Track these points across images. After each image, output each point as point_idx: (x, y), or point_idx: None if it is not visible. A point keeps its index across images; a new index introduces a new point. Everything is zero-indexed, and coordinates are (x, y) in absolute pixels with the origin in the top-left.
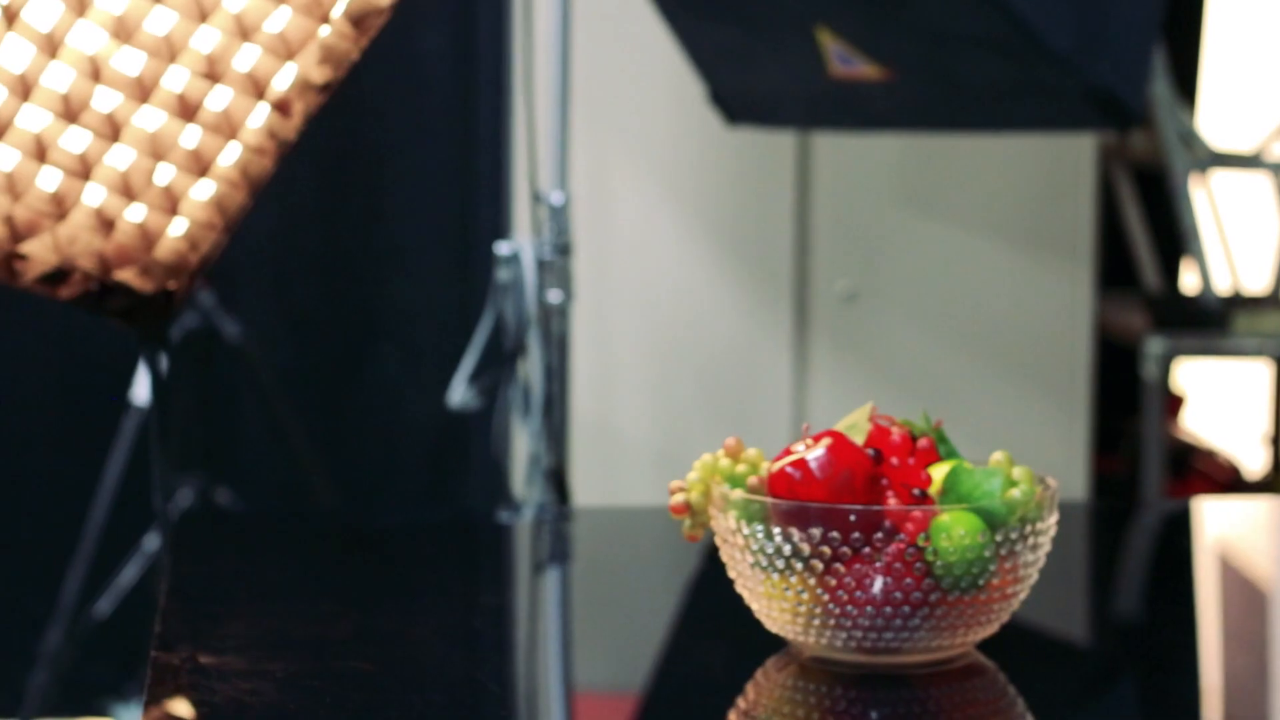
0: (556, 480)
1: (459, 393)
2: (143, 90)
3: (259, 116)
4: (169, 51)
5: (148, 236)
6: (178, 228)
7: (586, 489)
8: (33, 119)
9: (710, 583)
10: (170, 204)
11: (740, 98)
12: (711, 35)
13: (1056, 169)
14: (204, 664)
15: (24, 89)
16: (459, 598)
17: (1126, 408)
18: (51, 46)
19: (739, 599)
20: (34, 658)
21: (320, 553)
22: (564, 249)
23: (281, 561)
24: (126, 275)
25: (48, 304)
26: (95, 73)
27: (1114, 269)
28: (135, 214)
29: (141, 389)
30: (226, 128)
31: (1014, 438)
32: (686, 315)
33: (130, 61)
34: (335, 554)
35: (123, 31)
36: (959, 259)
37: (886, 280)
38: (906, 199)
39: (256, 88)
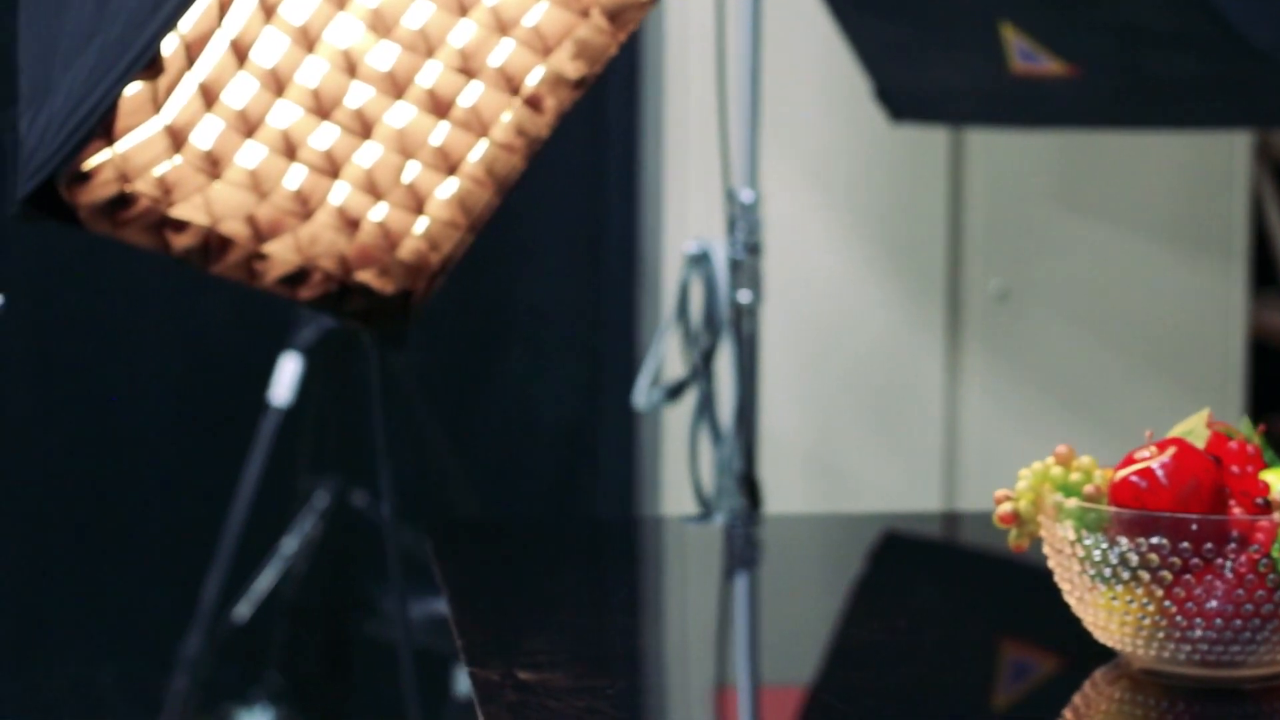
0: (749, 485)
1: (643, 395)
2: (395, 85)
3: (510, 113)
4: (425, 46)
5: (390, 236)
6: (420, 227)
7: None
8: (283, 115)
9: (1015, 596)
10: (415, 202)
11: (908, 95)
12: (883, 31)
13: (1209, 167)
14: (526, 680)
15: (276, 84)
16: (721, 602)
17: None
18: (307, 40)
19: (1033, 607)
20: (173, 662)
21: (571, 557)
22: (754, 248)
23: (545, 568)
24: (367, 276)
25: (183, 305)
26: (350, 67)
27: (1264, 269)
28: (379, 213)
29: (280, 390)
30: (476, 124)
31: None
32: (837, 314)
33: (384, 56)
34: (586, 558)
35: (380, 25)
36: (1112, 258)
37: (1039, 279)
38: (1060, 197)
39: (509, 83)
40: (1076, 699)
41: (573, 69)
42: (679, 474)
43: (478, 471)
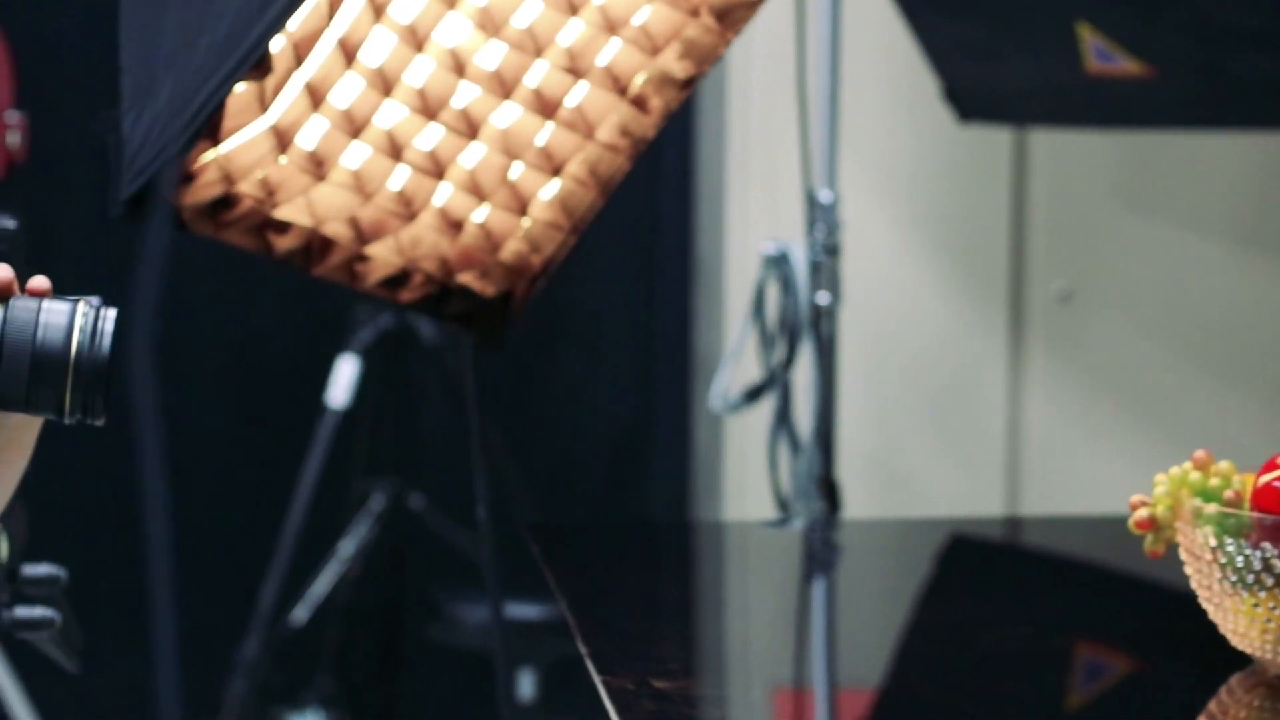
0: (829, 489)
1: (720, 398)
2: (502, 85)
3: (615, 113)
4: (533, 45)
5: (492, 238)
6: (522, 229)
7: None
8: (389, 115)
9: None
10: (517, 204)
11: (978, 95)
12: (955, 30)
13: (1276, 166)
14: (661, 689)
15: (384, 83)
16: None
17: None
18: (416, 39)
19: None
20: (230, 666)
21: (669, 560)
22: (832, 249)
23: (649, 572)
24: (467, 278)
25: (240, 308)
26: (457, 67)
27: None
28: (481, 214)
29: (337, 392)
30: (582, 124)
31: (1231, 444)
32: (898, 315)
33: (492, 55)
34: (684, 561)
35: (488, 24)
36: (1176, 258)
37: (1103, 280)
38: (1123, 197)
39: (616, 83)
40: (1212, 705)
41: (680, 69)
42: (740, 475)
43: (531, 473)
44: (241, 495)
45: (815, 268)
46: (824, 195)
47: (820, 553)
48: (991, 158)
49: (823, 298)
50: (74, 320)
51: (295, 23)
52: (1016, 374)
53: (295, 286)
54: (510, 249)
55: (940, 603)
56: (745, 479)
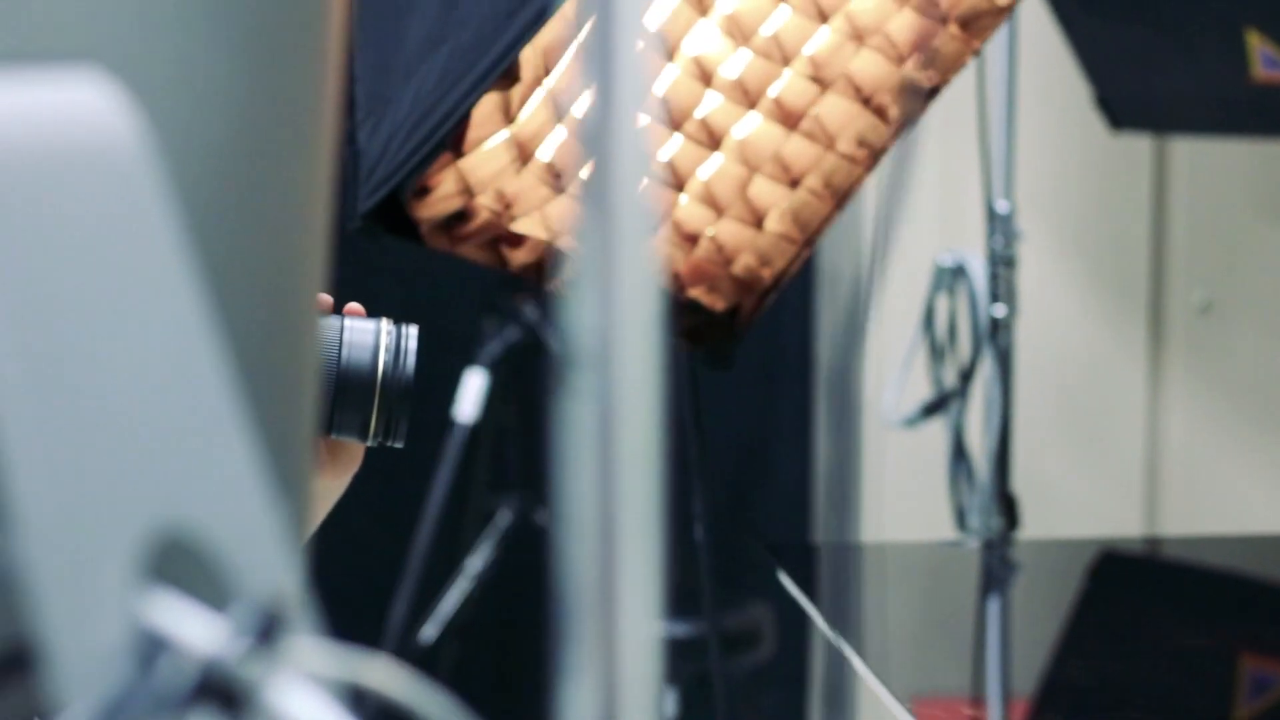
0: (1008, 504)
1: (894, 411)
2: (745, 94)
3: (856, 123)
4: (779, 54)
5: (724, 252)
6: (754, 242)
7: (932, 507)
8: None
9: None
10: (752, 216)
11: (1133, 102)
12: (1112, 37)
13: None
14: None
15: None
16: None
17: None
18: (665, 48)
19: None
20: None
21: (907, 578)
22: (1009, 261)
23: (893, 591)
24: (697, 293)
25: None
26: (703, 75)
27: None
28: (716, 227)
29: (465, 406)
30: (821, 135)
31: None
32: (1035, 326)
33: (737, 64)
34: (925, 579)
35: (736, 32)
36: None
37: (1244, 290)
38: (1265, 206)
39: (858, 93)
40: None
41: (924, 78)
42: (877, 492)
43: None
44: (371, 511)
45: (993, 279)
46: (1001, 206)
47: (1001, 571)
48: (1131, 166)
49: (999, 310)
50: (379, 340)
51: (544, 31)
52: (1155, 386)
53: (421, 300)
54: (742, 263)
55: (1122, 620)
56: (882, 496)
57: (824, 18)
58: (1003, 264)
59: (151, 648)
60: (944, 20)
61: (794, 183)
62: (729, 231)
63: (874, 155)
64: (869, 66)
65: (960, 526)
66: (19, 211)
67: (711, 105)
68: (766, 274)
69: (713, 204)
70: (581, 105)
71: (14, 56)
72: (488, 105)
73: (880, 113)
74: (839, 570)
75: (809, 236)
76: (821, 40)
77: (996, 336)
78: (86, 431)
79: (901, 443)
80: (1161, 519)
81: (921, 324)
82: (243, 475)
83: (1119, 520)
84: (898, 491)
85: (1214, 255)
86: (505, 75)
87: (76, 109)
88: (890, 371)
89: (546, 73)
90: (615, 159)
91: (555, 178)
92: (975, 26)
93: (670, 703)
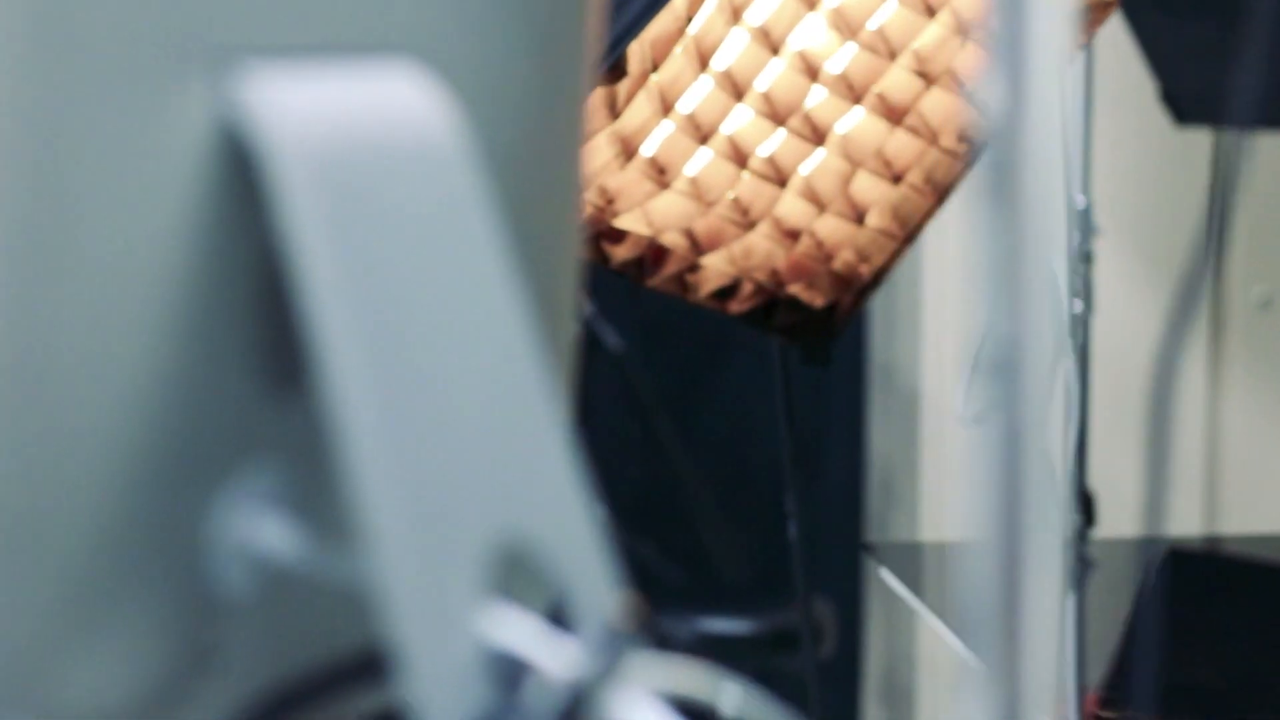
0: (1085, 502)
1: (965, 408)
2: (850, 89)
3: (956, 116)
4: (885, 48)
5: (824, 248)
6: (854, 238)
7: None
8: (735, 119)
9: None
10: (853, 212)
11: (1200, 97)
12: (1181, 30)
13: None
14: None
15: (734, 87)
16: None
17: None
18: (770, 42)
19: None
20: None
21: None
22: (1086, 256)
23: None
24: (796, 289)
25: None
26: (809, 70)
27: None
28: (817, 223)
29: None
30: (924, 129)
31: None
32: (1099, 322)
33: (842, 58)
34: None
35: (843, 26)
36: None
37: None
38: None
39: (960, 87)
40: None
41: None
42: (936, 489)
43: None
44: None
45: (1070, 275)
46: (1078, 200)
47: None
48: (1190, 158)
49: (1076, 305)
50: None
51: (651, 25)
52: (1215, 383)
53: None
54: (841, 259)
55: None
56: (941, 493)
57: (931, 12)
58: (1080, 259)
59: (506, 666)
60: None
61: (896, 178)
62: (830, 227)
63: (975, 150)
64: (974, 61)
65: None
66: (360, 204)
67: (816, 99)
68: (865, 270)
69: (815, 199)
70: (688, 98)
71: (338, 50)
72: (596, 101)
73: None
74: (937, 568)
75: (909, 232)
76: (928, 35)
77: (1074, 333)
78: (430, 438)
79: (961, 439)
80: (1220, 519)
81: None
82: (567, 482)
83: (1177, 520)
84: (955, 489)
85: (1274, 250)
86: (613, 71)
87: (402, 101)
88: (953, 366)
89: (654, 67)
90: (1023, 157)
91: (659, 173)
92: (1080, 21)
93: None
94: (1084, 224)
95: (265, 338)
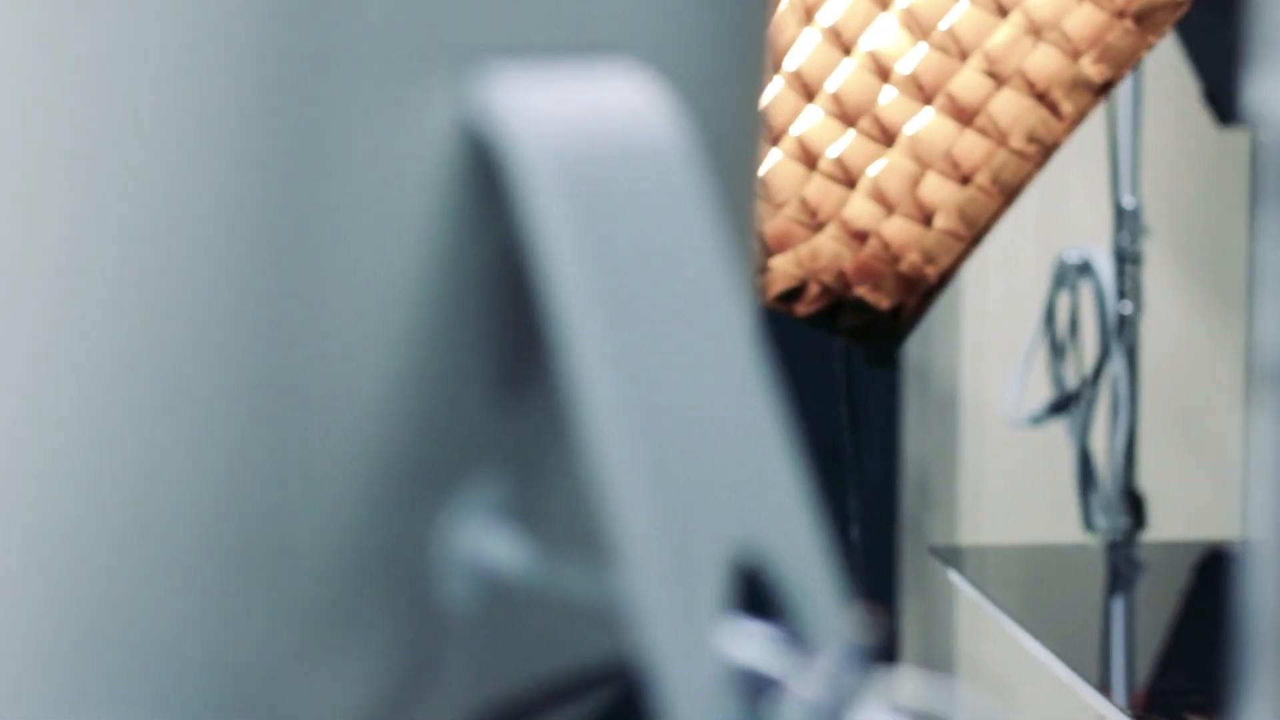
0: (1134, 503)
1: (1016, 411)
2: (920, 90)
3: (1028, 118)
4: (956, 48)
5: (891, 249)
6: (921, 240)
7: (1034, 507)
8: (805, 120)
9: None
10: (920, 214)
11: (1241, 98)
12: (1221, 31)
13: None
14: None
15: (804, 88)
16: None
17: None
18: (841, 43)
19: None
20: None
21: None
22: (1136, 258)
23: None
24: (862, 291)
25: None
26: (880, 70)
27: None
28: (884, 225)
29: None
30: (993, 130)
31: None
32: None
33: (912, 58)
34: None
35: (914, 26)
36: None
37: None
38: None
39: (1032, 88)
40: None
41: (1096, 73)
42: (975, 491)
43: None
44: None
45: (1119, 276)
46: (1128, 201)
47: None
48: (1228, 158)
49: (1126, 306)
50: None
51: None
52: (1252, 384)
53: None
54: (908, 261)
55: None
56: (981, 495)
57: (1003, 12)
58: (1130, 260)
59: (753, 681)
60: (1120, 15)
61: (964, 179)
62: (897, 229)
63: (1044, 151)
64: (1045, 61)
65: (1087, 527)
66: (605, 210)
67: (886, 100)
68: (931, 272)
69: (883, 201)
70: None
71: (562, 50)
72: None
73: (1053, 108)
74: (1008, 572)
75: (976, 234)
76: (999, 35)
77: (1123, 334)
78: (675, 447)
79: (1002, 442)
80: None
81: (1042, 321)
82: (794, 492)
83: (1222, 521)
84: (995, 491)
85: None
86: None
87: (633, 103)
88: (992, 368)
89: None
90: None
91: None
92: (1151, 21)
93: None
94: (1134, 225)
95: (495, 343)
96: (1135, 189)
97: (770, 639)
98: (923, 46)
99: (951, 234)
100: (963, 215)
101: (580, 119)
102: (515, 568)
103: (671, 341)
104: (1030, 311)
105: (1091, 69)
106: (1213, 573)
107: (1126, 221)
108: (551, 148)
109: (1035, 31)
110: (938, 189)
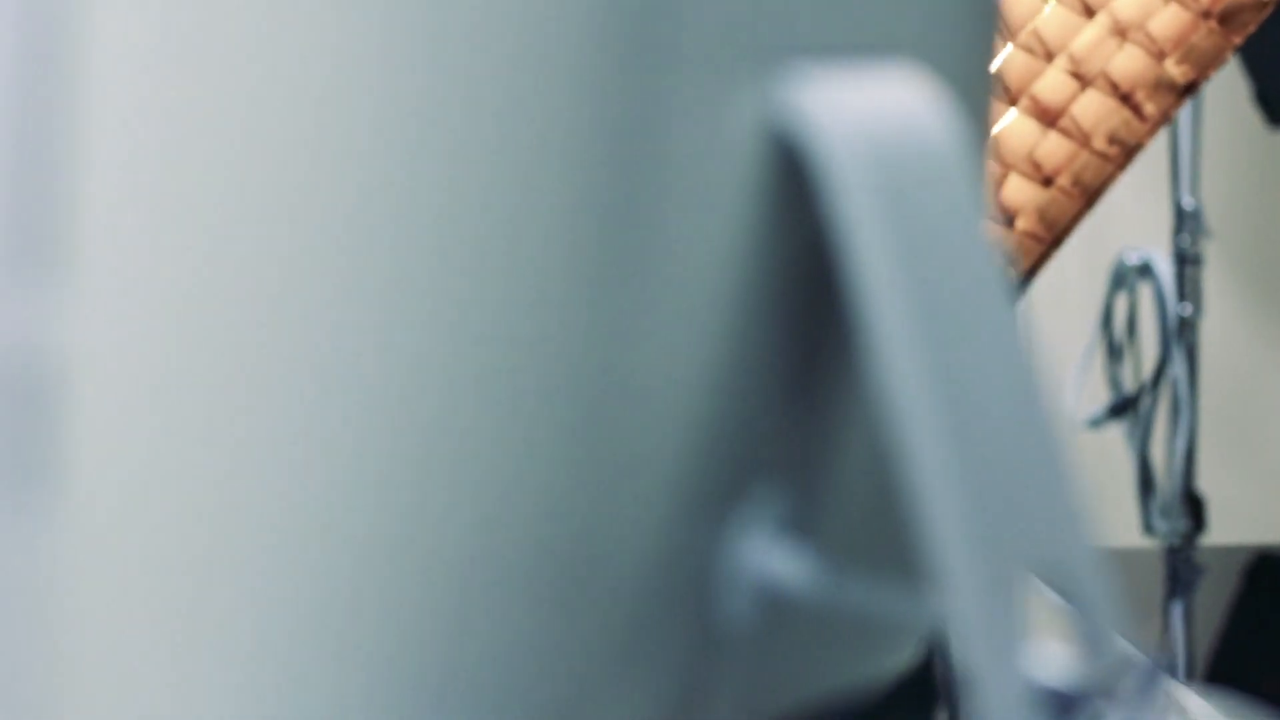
0: (1194, 505)
1: (1073, 411)
2: (1005, 91)
3: (1110, 120)
4: (1041, 49)
5: None
6: (1001, 242)
7: (1091, 510)
8: None
9: None
10: (1002, 215)
11: None
12: (1271, 31)
13: None
14: None
15: None
16: None
17: None
18: None
19: None
20: None
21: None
22: (1195, 259)
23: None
24: None
25: None
26: None
27: None
28: None
29: None
30: (1076, 132)
31: None
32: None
33: (997, 59)
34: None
35: (1001, 25)
36: None
37: None
38: None
39: (1115, 89)
40: None
41: (1180, 74)
42: None
43: None
44: None
45: (1179, 278)
46: (1187, 202)
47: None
48: (1276, 158)
49: (1185, 309)
50: None
51: None
52: None
53: None
54: None
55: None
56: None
57: (1090, 13)
58: (1190, 262)
59: (1058, 700)
60: (1206, 15)
61: (1046, 181)
62: None
63: (1127, 153)
64: (1129, 62)
65: (1146, 530)
66: (910, 214)
67: None
68: (1011, 273)
69: None
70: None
71: (848, 51)
72: None
73: (1136, 109)
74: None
75: (1057, 236)
76: (1085, 36)
77: (1184, 336)
78: (979, 458)
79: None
80: None
81: (1100, 323)
82: (1075, 505)
83: (1275, 524)
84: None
85: None
86: None
87: (921, 106)
88: (1049, 368)
89: None
90: None
91: None
92: (1235, 22)
93: None
94: (1194, 226)
95: (784, 352)
96: (1195, 190)
97: (1070, 657)
98: (1008, 47)
99: (1032, 235)
100: (1043, 217)
101: (881, 124)
102: (799, 584)
103: (970, 349)
104: (1081, 313)
105: (1175, 70)
106: (1272, 577)
107: (1187, 223)
108: (861, 150)
109: (1120, 32)
110: (1019, 190)
